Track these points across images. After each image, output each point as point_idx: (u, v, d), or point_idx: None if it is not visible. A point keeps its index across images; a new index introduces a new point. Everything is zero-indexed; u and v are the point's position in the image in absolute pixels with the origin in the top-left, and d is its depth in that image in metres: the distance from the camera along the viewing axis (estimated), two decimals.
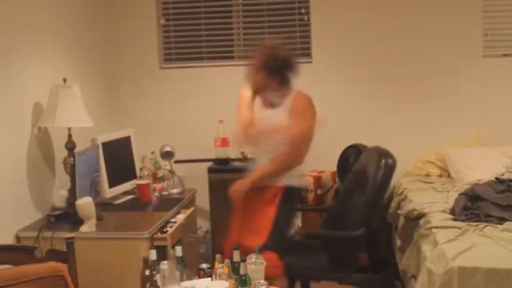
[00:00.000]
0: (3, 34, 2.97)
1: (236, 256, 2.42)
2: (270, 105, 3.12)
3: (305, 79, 4.44)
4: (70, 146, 3.26)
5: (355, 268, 3.06)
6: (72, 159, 3.24)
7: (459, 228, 2.97)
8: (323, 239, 3.28)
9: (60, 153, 3.33)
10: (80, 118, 3.24)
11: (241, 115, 3.11)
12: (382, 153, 3.10)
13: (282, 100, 3.09)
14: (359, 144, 4.02)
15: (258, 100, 3.12)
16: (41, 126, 3.25)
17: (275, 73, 3.04)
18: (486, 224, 2.99)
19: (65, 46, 3.66)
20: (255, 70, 3.03)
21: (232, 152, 4.18)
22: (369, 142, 4.05)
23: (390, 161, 3.06)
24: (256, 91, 3.09)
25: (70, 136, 3.27)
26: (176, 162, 4.15)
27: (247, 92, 3.11)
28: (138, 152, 3.94)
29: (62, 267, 2.18)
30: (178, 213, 3.40)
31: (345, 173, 4.06)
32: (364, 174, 3.16)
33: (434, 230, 3.00)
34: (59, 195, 3.29)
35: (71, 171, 3.23)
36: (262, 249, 2.81)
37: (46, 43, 3.42)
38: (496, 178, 3.55)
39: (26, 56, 3.18)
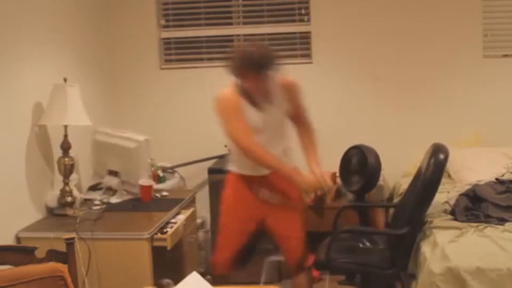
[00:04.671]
0: (3, 34, 2.97)
1: None
2: (261, 103, 2.98)
3: (305, 80, 4.47)
4: (66, 146, 3.26)
5: (404, 266, 3.07)
6: (66, 159, 3.25)
7: (459, 228, 2.97)
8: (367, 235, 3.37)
9: (59, 153, 3.32)
10: (79, 118, 3.24)
11: (242, 129, 2.89)
12: (435, 150, 3.02)
13: (271, 94, 2.98)
14: (362, 145, 4.02)
15: (245, 103, 2.95)
16: (41, 126, 3.25)
17: (264, 70, 2.87)
18: (486, 225, 2.99)
19: (66, 46, 3.66)
20: (256, 78, 2.86)
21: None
22: (369, 143, 4.05)
23: (441, 156, 2.96)
24: (251, 94, 2.94)
25: (66, 136, 3.26)
26: (170, 167, 4.19)
27: (232, 98, 2.94)
28: None
29: (62, 268, 2.18)
30: (178, 213, 3.40)
31: (348, 174, 4.06)
32: (418, 173, 3.16)
33: (434, 231, 3.00)
34: (51, 195, 3.29)
35: (65, 171, 3.25)
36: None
37: (47, 42, 3.42)
38: (497, 179, 3.55)
39: (27, 55, 3.18)
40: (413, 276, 3.00)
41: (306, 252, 3.08)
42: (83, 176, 3.72)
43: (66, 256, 2.30)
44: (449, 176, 4.10)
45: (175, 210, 3.35)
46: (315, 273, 3.96)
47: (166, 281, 2.11)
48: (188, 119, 4.54)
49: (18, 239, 2.96)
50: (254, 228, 3.05)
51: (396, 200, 3.91)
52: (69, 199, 3.26)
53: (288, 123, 3.08)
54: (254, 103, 2.94)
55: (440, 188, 3.78)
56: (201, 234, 4.26)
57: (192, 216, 3.62)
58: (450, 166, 4.07)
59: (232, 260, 3.05)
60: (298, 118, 3.11)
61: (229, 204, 3.09)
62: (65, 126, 3.24)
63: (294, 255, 3.06)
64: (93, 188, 3.70)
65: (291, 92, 3.02)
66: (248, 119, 2.92)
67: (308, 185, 2.93)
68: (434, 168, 2.93)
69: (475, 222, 3.05)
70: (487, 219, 3.07)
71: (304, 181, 2.90)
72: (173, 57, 4.66)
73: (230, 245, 3.05)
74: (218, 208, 3.15)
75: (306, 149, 3.07)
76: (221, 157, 4.20)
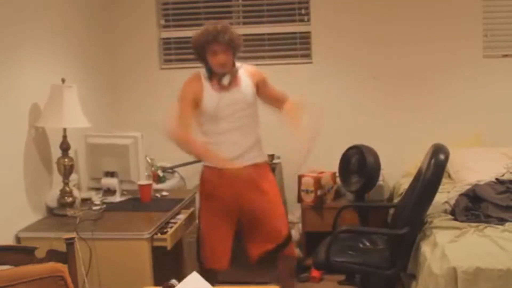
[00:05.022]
0: (2, 34, 2.97)
1: None
2: (227, 86, 3.01)
3: (305, 79, 4.49)
4: (65, 147, 3.26)
5: (403, 266, 3.08)
6: (66, 159, 3.25)
7: (459, 228, 2.97)
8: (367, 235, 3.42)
9: (58, 153, 3.32)
10: (77, 119, 3.24)
11: (178, 115, 2.95)
12: (435, 150, 3.01)
13: (235, 78, 3.04)
14: (361, 145, 4.02)
15: (208, 87, 3.01)
16: (39, 127, 3.25)
17: (235, 49, 3.02)
18: (486, 225, 2.99)
19: (65, 46, 3.66)
20: (220, 51, 2.94)
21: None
22: (369, 143, 4.06)
23: (441, 157, 2.94)
24: (222, 74, 2.98)
25: (65, 137, 3.26)
26: (170, 168, 4.19)
27: (194, 83, 3.01)
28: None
29: (62, 268, 2.18)
30: (178, 213, 3.40)
31: (347, 174, 4.06)
32: (419, 173, 3.16)
33: (434, 231, 3.00)
34: (51, 195, 3.29)
35: (65, 171, 3.25)
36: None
37: (46, 43, 3.42)
38: (497, 179, 3.55)
39: (26, 56, 3.17)
40: (413, 276, 3.01)
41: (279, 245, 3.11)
42: (83, 176, 3.72)
43: (66, 256, 2.30)
44: (449, 176, 4.11)
45: (175, 210, 3.35)
46: (316, 273, 3.99)
47: (173, 281, 2.11)
48: None
49: (18, 239, 2.96)
50: (235, 220, 3.10)
51: (396, 200, 3.92)
52: (69, 199, 3.26)
53: (258, 114, 3.12)
54: (220, 86, 2.99)
55: (440, 188, 3.78)
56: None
57: (192, 216, 3.61)
58: (450, 166, 4.08)
59: (230, 257, 3.09)
60: (276, 99, 3.15)
61: (208, 199, 3.10)
62: (64, 128, 3.24)
63: (260, 249, 3.07)
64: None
65: (256, 77, 3.11)
66: (211, 103, 2.96)
67: (232, 173, 2.91)
68: (435, 169, 2.93)
69: (475, 222, 3.05)
70: (487, 219, 3.07)
71: (206, 156, 2.98)
72: (173, 57, 4.66)
73: (223, 245, 3.08)
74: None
75: (288, 114, 3.06)
76: None
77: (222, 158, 2.94)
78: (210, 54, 2.96)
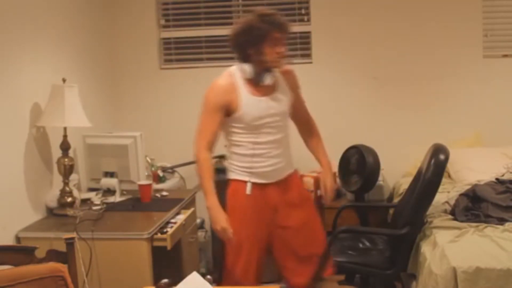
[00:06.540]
0: (2, 34, 2.97)
1: None
2: (269, 89, 2.67)
3: (305, 79, 4.48)
4: (65, 146, 3.27)
5: (404, 266, 3.08)
6: (66, 159, 3.25)
7: (459, 228, 2.97)
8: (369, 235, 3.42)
9: (59, 153, 3.32)
10: (78, 119, 3.24)
11: (205, 132, 2.70)
12: (435, 150, 2.99)
13: (277, 80, 2.70)
14: (360, 145, 4.02)
15: (245, 90, 2.63)
16: (39, 126, 3.25)
17: (287, 29, 2.57)
18: (486, 225, 2.99)
19: (65, 46, 3.66)
20: (283, 40, 2.55)
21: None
22: (368, 142, 4.06)
23: (441, 157, 2.91)
24: (261, 74, 2.61)
25: (65, 136, 3.26)
26: (170, 168, 4.19)
27: (224, 88, 2.61)
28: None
29: (62, 268, 2.18)
30: (178, 213, 3.40)
31: (347, 174, 4.06)
32: (419, 173, 3.16)
33: (434, 231, 3.01)
34: (51, 195, 3.29)
35: (65, 171, 3.25)
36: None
37: (46, 42, 3.42)
38: (497, 179, 3.55)
39: (26, 55, 3.17)
40: (413, 276, 3.01)
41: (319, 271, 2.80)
42: (82, 176, 3.72)
43: (66, 256, 2.30)
44: (449, 176, 4.11)
45: (175, 210, 3.35)
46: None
47: (165, 281, 2.11)
48: (188, 119, 4.53)
49: (18, 239, 2.96)
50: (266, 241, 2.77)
51: (396, 200, 3.92)
52: (69, 199, 3.26)
53: (288, 121, 2.80)
54: (259, 89, 2.64)
55: (440, 188, 3.77)
56: (201, 234, 4.27)
57: (192, 216, 3.61)
58: (450, 166, 4.08)
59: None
60: (300, 115, 2.87)
61: (243, 219, 2.71)
62: (64, 127, 3.24)
63: (299, 279, 2.74)
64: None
65: (291, 80, 2.77)
66: (251, 110, 2.62)
67: (212, 220, 2.65)
68: (435, 169, 2.93)
69: (475, 222, 3.05)
70: (487, 219, 3.07)
71: (212, 215, 2.66)
72: (173, 57, 4.66)
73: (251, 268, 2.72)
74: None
75: (316, 153, 2.96)
76: (221, 157, 4.20)
77: (222, 223, 2.60)
78: (270, 44, 2.52)
